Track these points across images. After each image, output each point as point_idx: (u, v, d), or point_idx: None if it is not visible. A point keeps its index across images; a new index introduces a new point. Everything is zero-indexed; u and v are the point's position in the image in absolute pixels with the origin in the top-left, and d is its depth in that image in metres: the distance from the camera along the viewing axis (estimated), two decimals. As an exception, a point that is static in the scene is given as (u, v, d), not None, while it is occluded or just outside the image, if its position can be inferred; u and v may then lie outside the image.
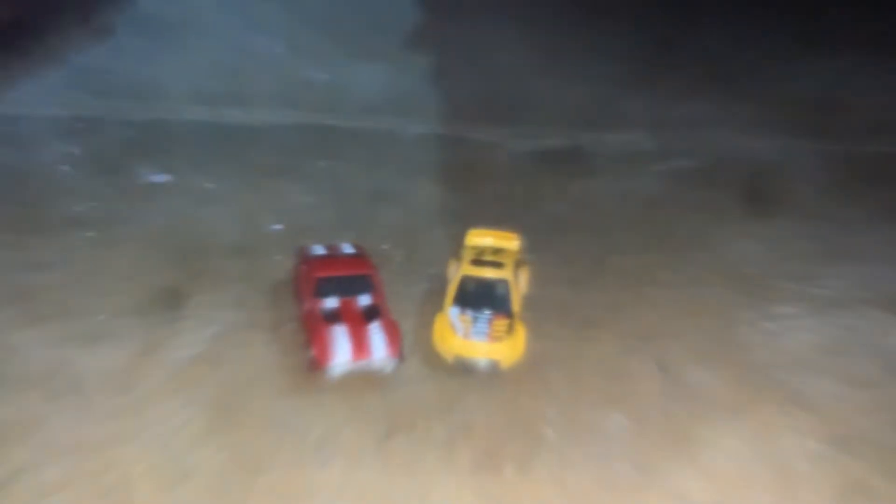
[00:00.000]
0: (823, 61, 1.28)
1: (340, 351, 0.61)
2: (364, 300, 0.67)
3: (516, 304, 0.56)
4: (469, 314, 0.55)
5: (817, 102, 1.12)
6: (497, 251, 0.67)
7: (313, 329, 0.64)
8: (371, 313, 0.65)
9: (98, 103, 1.04)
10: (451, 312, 0.56)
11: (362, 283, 0.76)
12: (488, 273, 0.61)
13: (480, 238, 0.67)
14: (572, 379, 0.52)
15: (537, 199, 0.79)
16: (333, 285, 0.76)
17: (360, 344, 0.60)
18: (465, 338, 0.55)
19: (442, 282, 0.74)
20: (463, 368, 0.51)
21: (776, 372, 0.56)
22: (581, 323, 0.58)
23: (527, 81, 1.15)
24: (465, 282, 0.62)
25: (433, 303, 0.69)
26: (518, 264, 0.64)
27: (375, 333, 0.63)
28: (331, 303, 0.67)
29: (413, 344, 0.68)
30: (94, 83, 1.09)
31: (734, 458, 0.46)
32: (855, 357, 0.59)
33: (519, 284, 0.63)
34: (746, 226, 0.75)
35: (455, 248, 0.61)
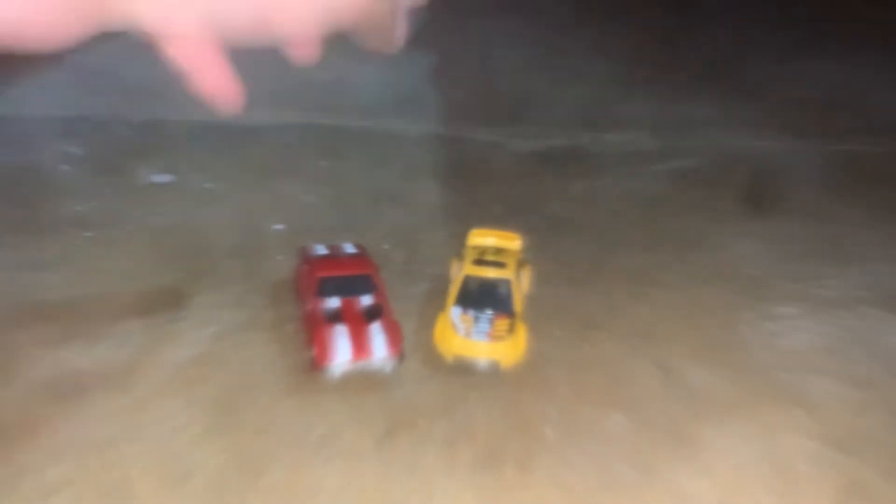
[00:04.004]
0: (824, 61, 1.28)
1: (341, 351, 0.61)
2: (366, 300, 0.67)
3: (518, 304, 0.55)
4: (471, 314, 0.54)
5: (817, 102, 1.12)
6: (499, 251, 0.66)
7: (314, 329, 0.64)
8: (373, 313, 0.65)
9: (98, 103, 1.03)
10: (453, 312, 0.55)
11: (364, 283, 0.76)
12: (490, 273, 0.61)
13: (482, 238, 0.66)
14: (572, 379, 0.52)
15: (538, 199, 0.78)
16: (335, 285, 0.76)
17: (360, 344, 0.60)
18: (466, 337, 0.55)
19: (443, 282, 0.73)
20: (463, 369, 0.50)
21: (776, 372, 0.55)
22: (581, 323, 0.57)
23: (527, 81, 1.14)
24: (468, 282, 0.61)
25: (434, 303, 0.68)
26: (520, 264, 0.64)
27: (376, 333, 0.62)
28: (333, 303, 0.68)
29: (414, 344, 0.67)
30: (95, 83, 1.09)
31: (734, 458, 0.46)
32: (855, 357, 0.59)
33: (521, 284, 0.63)
34: (746, 226, 0.74)
35: (457, 247, 0.61)
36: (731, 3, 1.56)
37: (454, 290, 0.48)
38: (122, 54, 1.34)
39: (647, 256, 0.64)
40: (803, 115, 1.03)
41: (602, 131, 0.92)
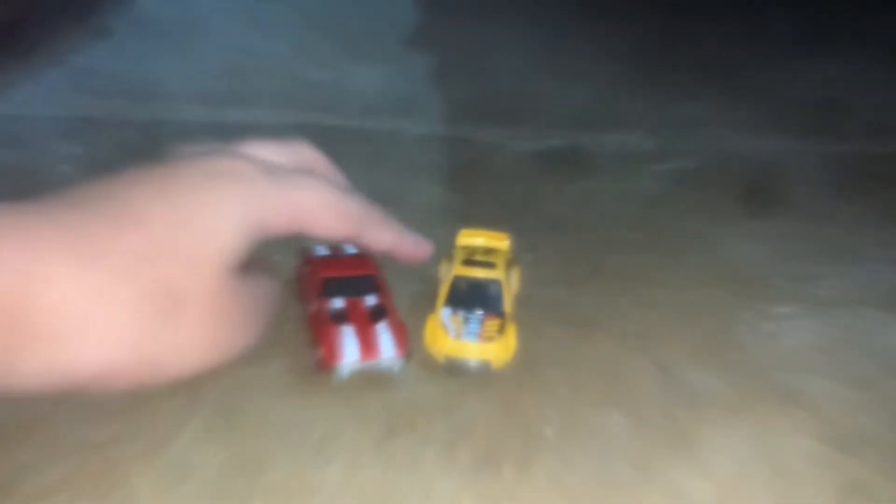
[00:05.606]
0: (823, 61, 1.27)
1: (348, 351, 0.61)
2: (370, 300, 0.67)
3: (508, 304, 0.55)
4: (461, 314, 0.53)
5: (817, 102, 1.11)
6: (488, 251, 0.66)
7: (320, 329, 0.64)
8: (378, 313, 0.65)
9: (98, 103, 1.03)
10: (443, 313, 0.54)
11: (368, 283, 0.76)
12: (480, 273, 0.60)
13: (471, 238, 0.66)
14: (572, 379, 0.51)
15: (537, 199, 0.77)
16: (339, 285, 0.76)
17: (368, 344, 0.60)
18: (456, 338, 0.54)
19: (438, 282, 0.74)
20: (453, 369, 0.49)
21: (776, 372, 0.55)
22: (580, 323, 0.57)
23: (527, 81, 1.14)
24: (457, 282, 0.61)
25: (432, 303, 0.69)
26: (509, 264, 0.64)
27: (383, 333, 0.62)
28: (337, 303, 0.68)
29: (414, 344, 0.67)
30: (95, 83, 1.08)
31: (734, 458, 0.46)
32: (855, 357, 0.58)
33: (511, 284, 0.63)
34: (746, 226, 0.73)
35: (448, 248, 0.61)
36: (731, 3, 1.57)
37: (444, 291, 0.49)
38: (122, 54, 1.34)
39: (645, 256, 0.65)
40: (803, 115, 1.03)
41: (602, 131, 0.93)
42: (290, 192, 0.25)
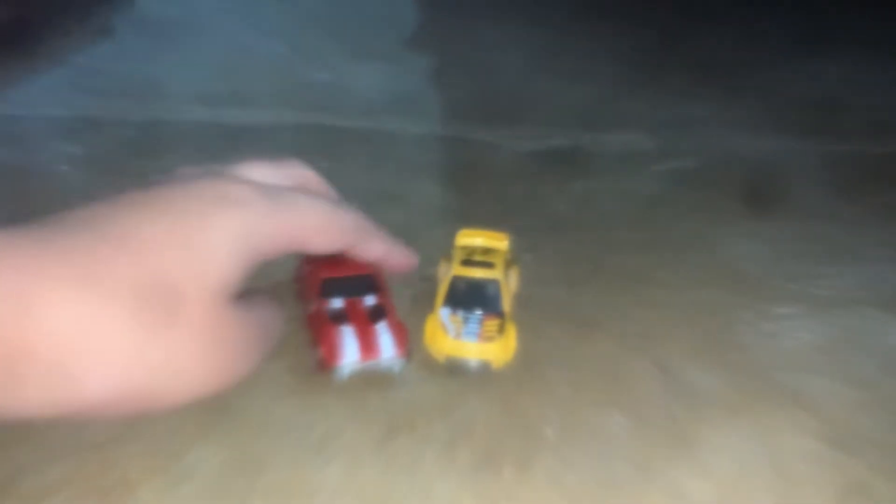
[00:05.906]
0: (823, 61, 1.26)
1: (348, 351, 0.59)
2: (369, 300, 0.66)
3: (507, 304, 0.53)
4: (460, 314, 0.52)
5: (817, 102, 1.10)
6: (487, 251, 0.64)
7: (320, 330, 0.62)
8: (377, 313, 0.63)
9: (98, 103, 1.01)
10: (442, 313, 0.53)
11: (367, 283, 0.74)
12: (479, 273, 0.59)
13: (470, 238, 0.64)
14: (572, 379, 0.51)
15: (537, 199, 0.76)
16: (339, 285, 0.75)
17: (368, 344, 0.59)
18: (456, 338, 0.53)
19: (435, 282, 0.72)
20: (454, 369, 0.48)
21: (776, 372, 0.54)
22: (580, 323, 0.56)
23: (527, 81, 1.12)
24: (456, 282, 0.59)
25: (432, 303, 0.67)
26: (508, 264, 0.62)
27: (383, 333, 0.61)
28: (336, 303, 0.66)
29: (413, 344, 0.66)
30: (95, 83, 1.07)
31: (734, 458, 0.45)
32: (855, 357, 0.57)
33: (510, 284, 0.61)
34: (746, 226, 0.72)
35: (447, 248, 0.59)
36: (731, 3, 1.57)
37: (442, 291, 0.49)
38: (123, 54, 1.35)
39: (646, 256, 0.65)
40: (803, 115, 1.03)
41: (602, 131, 0.93)
42: (288, 212, 0.25)
